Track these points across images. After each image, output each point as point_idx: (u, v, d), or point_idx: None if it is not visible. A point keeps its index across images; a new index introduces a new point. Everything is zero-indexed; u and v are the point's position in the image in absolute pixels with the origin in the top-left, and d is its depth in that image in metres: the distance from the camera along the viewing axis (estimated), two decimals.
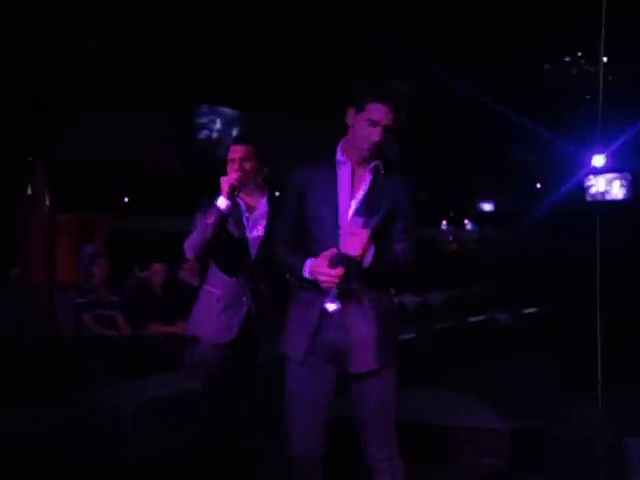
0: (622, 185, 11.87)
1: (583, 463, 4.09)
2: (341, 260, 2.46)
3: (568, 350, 7.09)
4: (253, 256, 3.30)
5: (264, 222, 3.30)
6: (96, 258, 6.05)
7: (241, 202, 3.28)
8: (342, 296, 2.57)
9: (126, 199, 10.06)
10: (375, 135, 2.58)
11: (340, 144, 2.72)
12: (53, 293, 6.30)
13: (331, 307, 2.60)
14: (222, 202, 3.16)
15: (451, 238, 16.96)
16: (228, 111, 8.35)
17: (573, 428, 4.38)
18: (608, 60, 8.24)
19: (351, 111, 2.64)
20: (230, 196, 3.17)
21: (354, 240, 2.47)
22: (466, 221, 17.19)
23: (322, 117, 9.49)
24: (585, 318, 8.88)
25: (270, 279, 3.30)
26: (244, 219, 3.29)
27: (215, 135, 8.13)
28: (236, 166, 3.25)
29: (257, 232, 3.30)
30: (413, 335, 7.68)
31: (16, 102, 6.03)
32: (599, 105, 9.33)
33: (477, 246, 15.93)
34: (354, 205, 2.63)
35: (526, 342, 8.04)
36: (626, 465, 3.81)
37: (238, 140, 3.47)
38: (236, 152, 3.30)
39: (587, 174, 12.47)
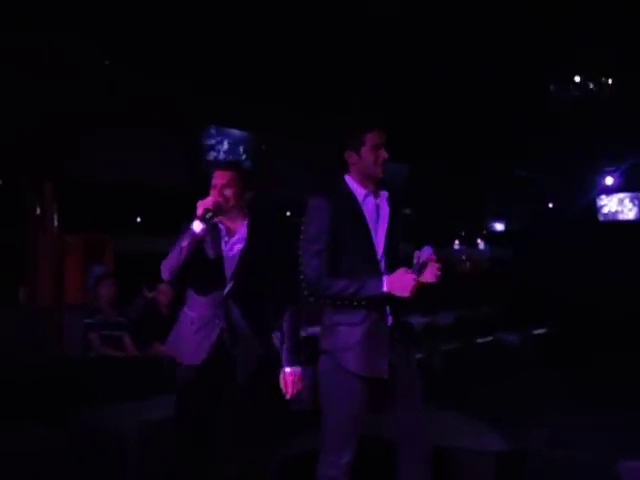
0: (634, 205, 11.85)
1: None
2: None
3: (575, 372, 7.03)
4: (228, 279, 3.27)
5: (240, 246, 3.29)
6: (103, 279, 6.08)
7: (221, 226, 3.29)
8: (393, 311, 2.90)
9: (138, 219, 10.11)
10: (383, 154, 2.96)
11: (351, 180, 3.00)
12: (61, 314, 6.32)
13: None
14: (197, 226, 3.16)
15: (464, 257, 16.90)
16: (236, 132, 8.39)
17: (576, 451, 4.32)
18: (614, 81, 8.26)
19: (350, 153, 2.97)
20: (204, 219, 3.16)
21: (433, 269, 2.82)
22: (479, 240, 17.13)
23: (328, 140, 9.55)
24: (594, 339, 8.81)
25: (247, 303, 3.27)
26: (223, 243, 3.29)
27: (222, 156, 8.17)
28: (216, 192, 3.26)
29: (233, 255, 3.28)
30: (421, 355, 7.63)
31: (24, 122, 6.09)
32: (609, 126, 9.32)
33: (489, 265, 15.87)
34: (384, 235, 2.92)
35: (534, 363, 7.98)
36: None
37: (221, 166, 3.48)
38: (218, 178, 3.30)
39: (599, 194, 12.46)
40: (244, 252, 3.27)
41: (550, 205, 14.25)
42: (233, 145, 8.27)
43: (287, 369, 3.25)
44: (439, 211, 12.58)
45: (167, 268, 3.26)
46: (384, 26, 7.49)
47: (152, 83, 7.32)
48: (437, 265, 2.82)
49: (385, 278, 2.80)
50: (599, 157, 11.39)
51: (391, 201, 3.01)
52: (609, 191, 11.81)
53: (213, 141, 8.07)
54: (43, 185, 6.46)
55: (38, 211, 6.43)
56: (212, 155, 8.00)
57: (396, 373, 2.88)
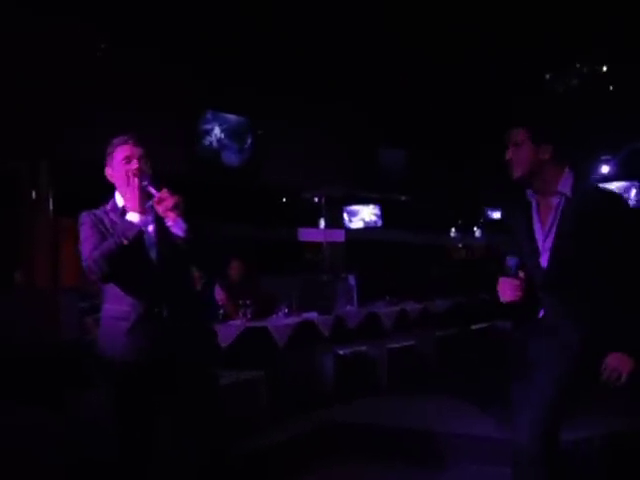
0: (633, 193, 11.85)
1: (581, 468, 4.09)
2: None
3: None
4: (154, 264, 3.00)
5: (153, 228, 3.02)
6: None
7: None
8: None
9: None
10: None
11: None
12: (57, 297, 6.33)
13: None
14: (134, 217, 2.93)
15: (460, 245, 16.95)
16: (232, 117, 8.36)
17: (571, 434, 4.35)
18: (609, 69, 8.24)
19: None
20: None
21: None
22: (475, 228, 17.16)
23: (326, 126, 9.57)
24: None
25: (181, 290, 3.03)
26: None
27: (216, 143, 8.12)
28: (138, 165, 3.02)
29: (151, 239, 3.01)
30: (414, 342, 7.68)
31: (21, 105, 6.07)
32: (606, 113, 9.31)
33: (484, 253, 15.91)
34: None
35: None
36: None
37: (130, 140, 3.08)
38: (135, 150, 3.05)
39: (596, 182, 12.45)
40: (161, 235, 2.99)
41: None
42: (229, 130, 8.24)
43: None
44: (436, 199, 12.57)
45: (101, 267, 2.86)
46: (384, 15, 7.48)
47: (150, 66, 7.30)
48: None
49: None
50: (596, 145, 11.40)
51: None
52: (605, 179, 11.81)
53: (209, 126, 8.05)
54: (39, 168, 6.44)
55: (34, 194, 6.42)
56: (208, 140, 7.99)
57: None
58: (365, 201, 11.64)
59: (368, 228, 11.67)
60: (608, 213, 2.75)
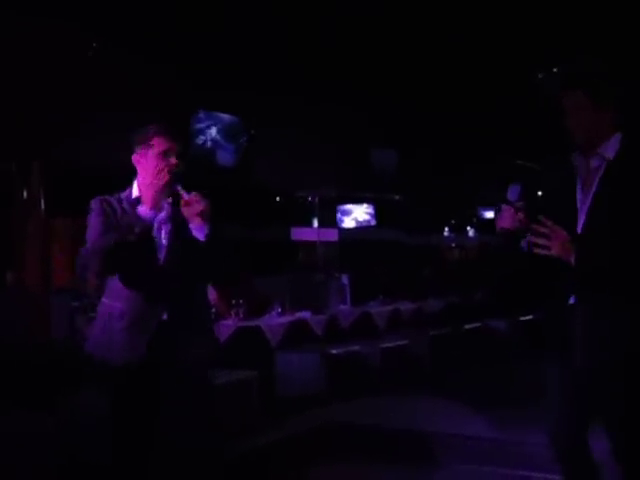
0: None
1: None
2: None
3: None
4: (162, 263, 2.90)
5: (168, 227, 2.94)
6: None
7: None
8: None
9: None
10: None
11: None
12: (48, 297, 6.32)
13: None
14: (146, 212, 2.82)
15: (453, 245, 17.01)
16: (225, 117, 8.34)
17: None
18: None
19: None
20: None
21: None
22: (468, 228, 17.20)
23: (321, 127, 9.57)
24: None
25: (184, 290, 2.92)
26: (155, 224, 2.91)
27: (209, 143, 8.09)
28: (165, 159, 2.91)
29: (163, 236, 2.92)
30: (407, 341, 7.68)
31: (12, 106, 6.04)
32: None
33: (477, 253, 15.95)
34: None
35: (521, 350, 8.03)
36: None
37: (169, 131, 2.97)
38: (168, 143, 2.94)
39: None
40: (175, 234, 2.91)
41: (540, 193, 14.26)
42: (223, 130, 8.22)
43: None
44: (429, 198, 12.58)
45: (94, 264, 2.86)
46: (378, 15, 7.47)
47: (142, 66, 7.27)
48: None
49: None
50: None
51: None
52: None
53: (202, 125, 8.02)
54: (30, 169, 6.42)
55: (25, 195, 6.40)
56: (201, 139, 7.96)
57: None
58: (358, 200, 11.65)
59: (361, 227, 11.68)
60: None
